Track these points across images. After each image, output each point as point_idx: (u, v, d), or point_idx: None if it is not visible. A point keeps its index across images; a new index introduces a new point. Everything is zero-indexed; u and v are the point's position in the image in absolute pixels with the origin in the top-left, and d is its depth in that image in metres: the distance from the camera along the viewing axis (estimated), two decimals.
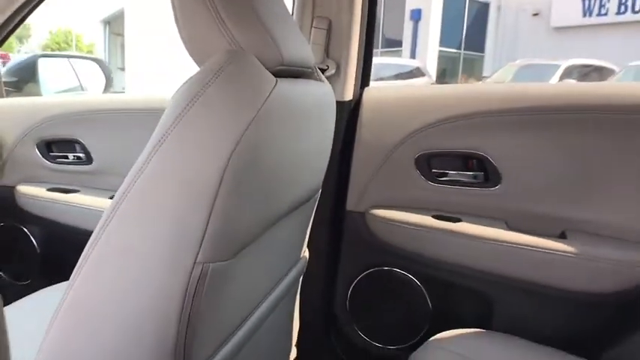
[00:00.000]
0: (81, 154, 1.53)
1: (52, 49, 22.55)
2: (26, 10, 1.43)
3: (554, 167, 1.15)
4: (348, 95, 1.28)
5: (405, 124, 1.25)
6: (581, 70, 10.47)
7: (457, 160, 1.25)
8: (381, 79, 9.93)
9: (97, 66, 2.71)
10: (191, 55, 0.69)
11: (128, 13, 16.29)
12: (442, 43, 17.30)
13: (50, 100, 1.69)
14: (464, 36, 18.36)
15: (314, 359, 1.38)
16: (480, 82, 12.82)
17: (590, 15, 15.91)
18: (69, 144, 1.54)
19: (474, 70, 18.23)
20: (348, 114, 1.30)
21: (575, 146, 1.13)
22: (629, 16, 14.95)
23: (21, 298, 1.11)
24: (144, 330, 0.61)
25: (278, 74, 0.66)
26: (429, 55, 16.86)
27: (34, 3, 1.41)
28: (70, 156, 1.54)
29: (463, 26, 18.30)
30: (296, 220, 0.91)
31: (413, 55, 16.80)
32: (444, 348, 1.03)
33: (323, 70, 1.23)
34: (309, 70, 0.84)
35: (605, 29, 15.22)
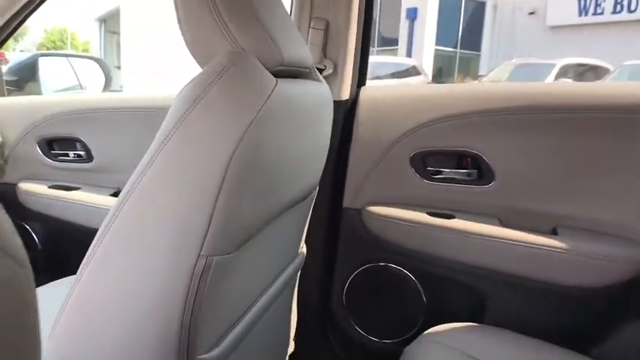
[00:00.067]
0: (81, 152, 1.54)
1: (48, 48, 22.39)
2: (26, 12, 1.44)
3: (546, 165, 1.17)
4: (345, 94, 1.30)
5: (400, 123, 1.26)
6: (576, 69, 10.47)
7: (451, 159, 1.27)
8: (378, 77, 9.90)
9: (97, 65, 2.72)
10: (194, 56, 0.70)
11: (124, 11, 16.23)
12: (438, 41, 17.26)
13: (51, 99, 1.70)
14: (460, 35, 18.31)
15: (311, 353, 1.40)
16: (476, 82, 12.81)
17: (586, 14, 15.89)
18: (70, 142, 1.55)
19: (470, 69, 18.18)
20: (345, 113, 1.31)
21: (567, 145, 1.15)
22: (624, 15, 14.93)
23: None
24: (149, 322, 0.63)
25: (278, 74, 0.68)
26: (425, 54, 16.83)
27: (33, 5, 1.42)
28: (71, 154, 1.55)
29: (459, 25, 18.24)
30: (294, 216, 0.92)
31: (409, 54, 16.75)
32: (438, 342, 1.04)
33: (320, 70, 1.24)
34: (308, 70, 0.86)
35: (601, 28, 15.20)
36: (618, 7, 15.13)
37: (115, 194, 1.51)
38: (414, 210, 1.28)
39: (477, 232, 1.20)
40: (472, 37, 18.31)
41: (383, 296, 1.36)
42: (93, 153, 1.52)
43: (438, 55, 17.54)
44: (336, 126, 1.26)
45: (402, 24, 17.54)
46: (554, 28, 16.50)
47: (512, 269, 1.18)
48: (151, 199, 0.61)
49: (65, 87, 2.85)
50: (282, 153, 0.70)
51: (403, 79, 10.25)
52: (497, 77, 10.74)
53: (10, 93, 1.97)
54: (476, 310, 1.26)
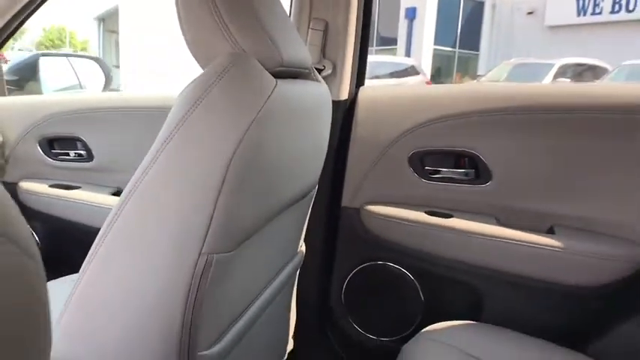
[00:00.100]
0: (82, 152, 1.55)
1: (46, 47, 22.33)
2: (26, 13, 1.45)
3: (543, 165, 1.18)
4: (344, 94, 1.31)
5: (398, 123, 1.27)
6: (575, 68, 10.46)
7: (449, 158, 1.27)
8: (376, 77, 9.89)
9: (97, 65, 2.73)
10: (195, 57, 0.71)
11: (122, 10, 16.20)
12: (437, 41, 17.23)
13: (51, 99, 1.71)
14: (459, 34, 18.31)
15: (310, 350, 1.41)
16: (474, 82, 12.81)
17: (585, 14, 15.87)
18: (70, 141, 1.56)
19: (468, 69, 18.17)
20: (344, 113, 1.32)
21: (563, 145, 1.15)
22: (623, 15, 14.92)
23: None
24: (151, 320, 0.64)
25: (278, 75, 0.69)
26: (424, 54, 16.80)
27: (33, 6, 1.43)
28: (72, 153, 1.56)
29: (458, 25, 18.23)
30: (293, 215, 0.93)
31: (408, 54, 16.73)
32: (435, 339, 1.05)
33: (319, 70, 1.25)
34: (307, 70, 0.87)
35: (599, 28, 15.20)
36: (617, 7, 15.11)
37: (116, 193, 1.52)
38: (412, 209, 1.29)
39: (475, 231, 1.21)
40: (471, 37, 18.29)
41: (381, 294, 1.37)
42: (93, 152, 1.53)
43: (436, 55, 17.52)
44: (335, 126, 1.27)
45: (400, 23, 17.51)
46: (552, 27, 16.48)
47: (509, 268, 1.19)
48: (153, 199, 0.62)
49: (65, 86, 2.86)
50: (281, 153, 0.71)
51: (402, 79, 10.23)
52: (495, 77, 10.73)
53: (10, 92, 1.98)
54: (473, 309, 1.27)
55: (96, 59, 2.84)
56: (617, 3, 15.06)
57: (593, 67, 10.67)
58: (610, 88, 1.20)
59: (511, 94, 1.21)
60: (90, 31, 21.94)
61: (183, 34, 0.70)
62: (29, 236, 0.27)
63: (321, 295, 1.42)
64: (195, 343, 0.66)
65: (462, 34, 18.31)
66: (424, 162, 1.28)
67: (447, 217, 1.25)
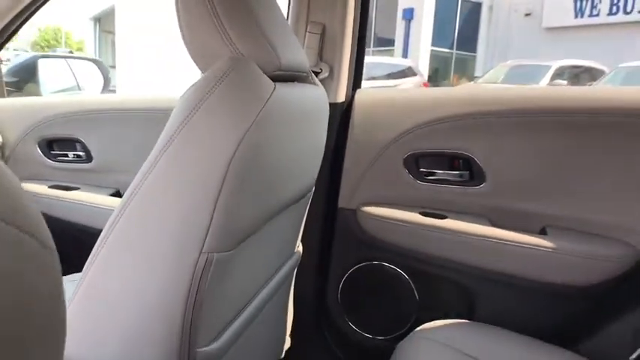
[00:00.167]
0: (81, 153, 1.56)
1: (42, 47, 22.19)
2: (26, 14, 1.46)
3: (536, 167, 1.19)
4: (341, 97, 1.32)
5: (394, 125, 1.29)
6: (571, 70, 10.44)
7: (444, 160, 1.29)
8: (373, 78, 9.88)
9: (95, 67, 2.74)
10: (194, 60, 0.73)
11: (118, 11, 16.15)
12: (434, 42, 17.21)
13: (51, 100, 1.72)
14: (456, 36, 18.33)
15: (307, 349, 1.42)
16: (471, 83, 12.80)
17: (582, 16, 15.87)
18: (69, 143, 1.57)
19: (465, 70, 18.17)
20: (341, 115, 1.33)
21: (556, 147, 1.17)
22: (620, 17, 14.90)
23: None
24: (152, 318, 0.66)
25: (276, 79, 0.71)
26: (421, 55, 16.78)
27: (33, 8, 1.44)
28: (71, 154, 1.57)
29: (455, 26, 18.24)
30: (291, 216, 0.95)
31: (405, 55, 16.73)
32: (429, 338, 1.06)
33: (317, 73, 1.26)
34: (305, 74, 0.89)
35: (597, 30, 15.22)
36: (614, 9, 15.11)
37: (114, 194, 1.53)
38: (408, 210, 1.30)
39: (468, 231, 1.22)
40: (468, 38, 18.29)
41: (377, 294, 1.38)
42: (92, 153, 1.54)
43: (434, 56, 17.51)
44: (332, 128, 1.28)
45: (398, 24, 17.51)
46: (550, 29, 16.49)
47: (502, 268, 1.21)
48: (155, 200, 0.64)
49: (63, 88, 2.87)
50: (280, 154, 0.73)
51: (399, 80, 10.22)
52: (492, 78, 10.72)
53: (10, 94, 1.99)
54: (466, 308, 1.28)
55: (94, 61, 2.85)
56: (615, 5, 15.07)
57: (590, 68, 10.66)
58: (602, 91, 1.22)
59: (505, 97, 1.23)
60: (86, 31, 21.85)
61: (183, 37, 0.71)
62: (49, 234, 0.29)
63: (317, 294, 1.43)
64: (195, 340, 0.68)
65: (460, 35, 18.31)
66: (419, 164, 1.30)
67: (442, 218, 1.27)
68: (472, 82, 12.78)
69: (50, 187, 1.56)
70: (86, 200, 1.50)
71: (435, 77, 17.56)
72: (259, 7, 0.70)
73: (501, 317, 1.21)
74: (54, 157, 1.58)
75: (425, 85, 10.72)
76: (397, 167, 1.30)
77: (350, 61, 1.33)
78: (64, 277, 1.17)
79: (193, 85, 0.65)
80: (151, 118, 1.48)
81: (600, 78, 9.74)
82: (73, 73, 2.87)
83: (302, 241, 1.15)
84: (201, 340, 0.69)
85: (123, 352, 0.67)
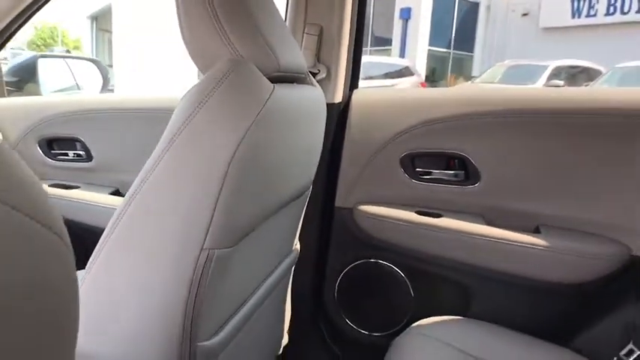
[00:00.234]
0: (81, 152, 1.57)
1: (38, 45, 22.08)
2: (28, 14, 1.47)
3: (530, 167, 1.21)
4: (338, 97, 1.33)
5: (391, 126, 1.30)
6: (568, 70, 10.45)
7: (439, 160, 1.31)
8: (371, 77, 9.87)
9: (95, 66, 2.75)
10: (195, 62, 0.74)
11: (115, 9, 16.11)
12: (431, 42, 17.18)
13: (51, 100, 1.73)
14: (453, 36, 18.32)
15: (304, 344, 1.44)
16: (468, 83, 12.81)
17: (579, 16, 15.86)
18: (69, 142, 1.57)
19: (463, 70, 18.15)
20: (338, 115, 1.35)
21: (549, 147, 1.19)
22: (617, 17, 14.90)
23: None
24: (154, 314, 0.67)
25: (275, 80, 0.73)
26: (419, 55, 16.76)
27: (34, 8, 1.45)
28: (71, 153, 1.58)
29: (453, 26, 18.23)
30: (289, 214, 0.97)
31: (402, 54, 16.69)
32: (424, 334, 1.08)
33: (314, 74, 1.27)
34: (303, 75, 0.91)
35: (594, 30, 15.23)
36: (611, 9, 15.11)
37: (114, 193, 1.54)
38: (404, 209, 1.32)
39: (463, 230, 1.24)
40: (465, 38, 18.28)
41: (373, 291, 1.40)
42: (92, 152, 1.55)
43: (431, 56, 17.48)
44: (329, 128, 1.29)
45: (395, 24, 17.49)
46: (547, 29, 16.49)
47: (496, 266, 1.22)
48: (157, 198, 0.66)
49: (63, 88, 2.88)
50: (278, 154, 0.75)
51: (396, 80, 10.21)
52: (489, 78, 10.73)
53: (10, 94, 2.00)
54: (461, 305, 1.30)
55: (93, 61, 2.85)
56: (612, 5, 15.08)
57: (586, 69, 10.66)
58: (596, 92, 1.23)
59: (501, 97, 1.24)
60: (82, 29, 21.77)
61: (184, 39, 0.73)
62: (65, 228, 0.30)
63: (315, 291, 1.45)
64: (196, 335, 0.70)
65: (457, 35, 18.29)
66: (415, 163, 1.31)
67: (437, 217, 1.28)
68: (469, 82, 12.78)
69: (50, 185, 1.57)
70: (86, 199, 1.51)
71: (433, 77, 17.54)
72: (258, 10, 0.72)
73: (496, 314, 1.23)
74: (54, 157, 1.59)
75: (422, 84, 10.72)
76: (393, 167, 1.31)
77: (347, 62, 1.34)
78: None
79: (194, 86, 0.67)
80: (151, 117, 1.49)
81: (597, 78, 9.73)
82: (72, 73, 2.88)
83: (300, 238, 1.17)
84: (201, 335, 0.71)
85: (125, 345, 0.69)
